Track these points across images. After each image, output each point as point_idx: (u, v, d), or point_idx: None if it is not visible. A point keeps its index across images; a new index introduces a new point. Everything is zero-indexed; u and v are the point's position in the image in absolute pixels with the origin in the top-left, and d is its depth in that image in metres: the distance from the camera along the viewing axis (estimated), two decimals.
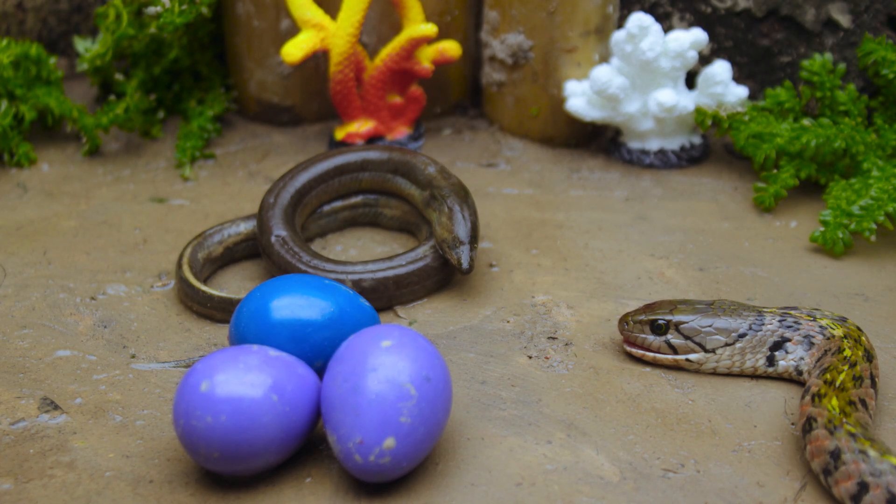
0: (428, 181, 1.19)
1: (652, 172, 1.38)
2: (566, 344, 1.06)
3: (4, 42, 1.39)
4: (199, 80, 1.51)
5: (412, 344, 0.88)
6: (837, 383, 0.92)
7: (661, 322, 1.02)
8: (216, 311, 1.09)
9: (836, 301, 1.12)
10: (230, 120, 1.51)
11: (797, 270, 1.18)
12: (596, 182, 1.36)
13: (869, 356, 0.96)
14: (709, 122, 1.34)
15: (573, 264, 1.19)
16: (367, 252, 1.22)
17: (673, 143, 1.39)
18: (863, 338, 0.98)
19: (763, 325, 1.01)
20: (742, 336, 1.00)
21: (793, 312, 1.01)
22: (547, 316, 1.10)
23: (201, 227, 1.25)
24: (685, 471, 0.90)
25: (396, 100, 1.39)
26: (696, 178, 1.37)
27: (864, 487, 0.85)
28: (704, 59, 1.45)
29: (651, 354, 1.03)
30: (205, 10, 1.40)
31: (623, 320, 1.04)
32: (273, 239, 1.14)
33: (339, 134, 1.40)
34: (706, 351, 1.01)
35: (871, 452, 0.85)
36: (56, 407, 0.98)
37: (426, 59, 1.37)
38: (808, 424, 0.90)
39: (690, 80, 1.41)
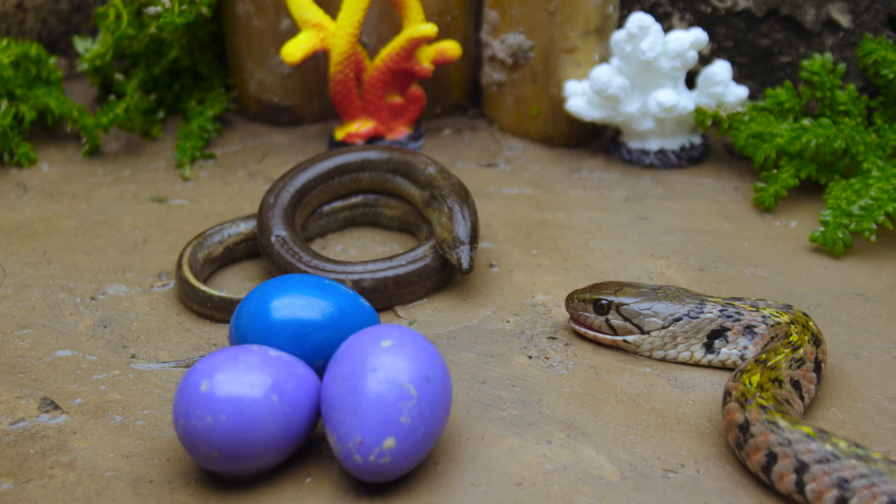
0: (428, 181, 1.19)
1: (652, 172, 1.38)
2: (566, 344, 1.06)
3: (4, 42, 1.39)
4: (199, 80, 1.51)
5: (412, 344, 0.88)
6: (770, 363, 0.93)
7: (603, 302, 1.04)
8: (216, 311, 1.09)
9: (836, 301, 1.12)
10: (230, 120, 1.51)
11: (797, 270, 1.18)
12: (596, 182, 1.36)
13: (817, 340, 0.98)
14: (709, 122, 1.34)
15: (573, 264, 1.19)
16: (367, 252, 1.22)
17: (673, 143, 1.39)
18: (810, 323, 1.00)
19: (702, 312, 1.02)
20: (677, 320, 1.02)
21: (735, 303, 1.03)
22: (547, 316, 1.10)
23: (201, 227, 1.25)
24: (685, 471, 0.90)
25: (396, 100, 1.39)
26: (696, 178, 1.37)
27: (772, 458, 0.86)
28: (704, 59, 1.45)
29: (592, 333, 1.06)
30: (205, 9, 1.40)
31: (569, 297, 1.07)
32: (273, 239, 1.14)
33: (339, 134, 1.40)
34: (643, 332, 1.03)
35: (782, 423, 0.85)
36: (56, 407, 0.98)
37: (426, 59, 1.37)
38: (724, 398, 0.92)
39: (690, 80, 1.41)
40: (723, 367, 1.03)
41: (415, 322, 1.10)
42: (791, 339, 0.97)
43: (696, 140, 1.40)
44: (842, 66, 1.33)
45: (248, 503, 0.87)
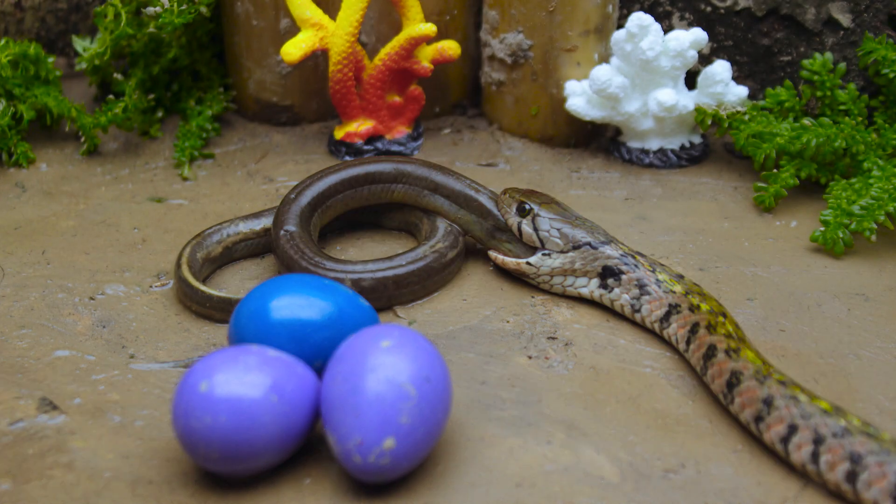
0: (480, 211, 1.17)
1: (652, 172, 1.37)
2: (566, 344, 1.06)
3: (3, 41, 1.39)
4: (198, 79, 1.50)
5: (412, 344, 0.88)
6: (738, 335, 0.98)
7: (526, 206, 1.10)
8: (215, 311, 1.09)
9: (836, 301, 1.12)
10: (229, 119, 1.50)
11: (797, 270, 1.18)
12: (596, 182, 1.36)
13: (718, 303, 1.04)
14: (709, 121, 1.34)
15: None
16: (367, 252, 1.22)
17: (673, 143, 1.39)
18: (703, 290, 1.05)
19: (603, 247, 1.08)
20: (577, 247, 1.07)
21: (637, 257, 1.08)
22: (547, 316, 1.10)
23: (200, 226, 1.25)
24: (685, 471, 0.90)
25: (396, 99, 1.39)
26: (696, 177, 1.36)
27: (793, 429, 0.89)
28: (704, 59, 1.44)
29: (501, 258, 1.13)
30: (204, 9, 1.40)
31: (505, 190, 1.14)
32: (282, 233, 1.13)
33: (339, 133, 1.40)
34: (543, 251, 1.08)
35: (801, 397, 0.90)
36: (55, 407, 0.97)
37: (426, 58, 1.37)
38: (710, 351, 0.97)
39: (690, 80, 1.40)
40: (613, 310, 1.08)
41: (414, 322, 1.10)
42: (702, 308, 1.01)
43: (696, 140, 1.40)
44: (842, 66, 1.33)
45: (248, 503, 0.87)
